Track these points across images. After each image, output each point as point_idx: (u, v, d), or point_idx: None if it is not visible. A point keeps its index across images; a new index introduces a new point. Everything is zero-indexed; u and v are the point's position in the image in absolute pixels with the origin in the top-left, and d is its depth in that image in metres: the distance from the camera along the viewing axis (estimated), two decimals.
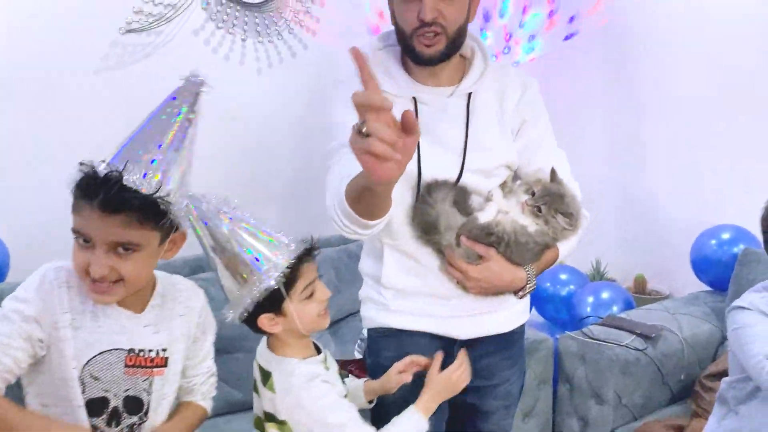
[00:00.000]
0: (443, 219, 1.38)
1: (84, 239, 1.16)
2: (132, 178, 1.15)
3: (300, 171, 2.83)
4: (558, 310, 2.78)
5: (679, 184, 2.80)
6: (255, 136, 2.74)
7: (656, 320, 2.32)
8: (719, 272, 2.51)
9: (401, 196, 1.40)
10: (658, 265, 2.93)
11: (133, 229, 1.15)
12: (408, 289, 1.47)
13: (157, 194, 1.16)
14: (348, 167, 1.21)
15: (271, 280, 1.26)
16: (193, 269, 2.20)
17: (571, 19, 3.04)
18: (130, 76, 2.44)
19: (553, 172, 1.44)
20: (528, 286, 1.44)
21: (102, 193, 1.12)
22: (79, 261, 1.17)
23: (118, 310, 1.25)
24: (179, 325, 1.35)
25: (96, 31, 2.35)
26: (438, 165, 1.42)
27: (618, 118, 3.01)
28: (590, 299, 2.61)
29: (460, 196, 1.42)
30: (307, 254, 1.32)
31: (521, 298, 1.47)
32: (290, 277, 1.28)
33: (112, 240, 1.15)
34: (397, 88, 1.45)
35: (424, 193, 1.41)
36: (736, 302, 1.65)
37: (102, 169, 1.15)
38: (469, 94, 1.47)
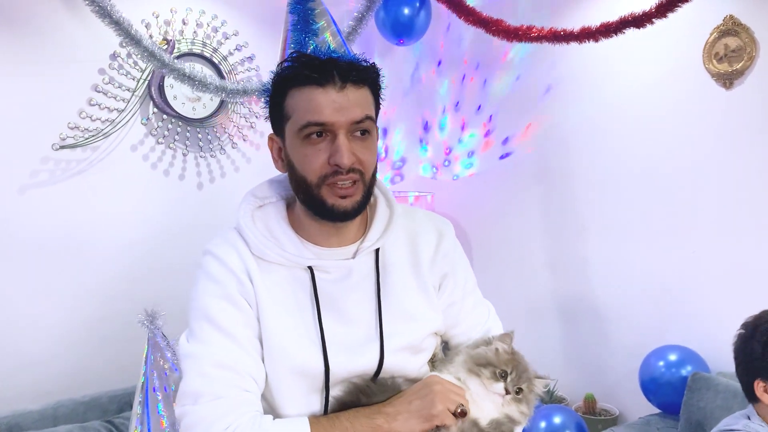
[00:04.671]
0: None
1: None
2: None
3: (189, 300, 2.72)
4: None
5: (625, 301, 2.80)
6: (193, 250, 2.62)
7: None
8: (669, 395, 2.48)
9: (308, 404, 1.15)
10: (607, 385, 2.89)
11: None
12: None
13: None
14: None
15: None
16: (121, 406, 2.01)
17: (505, 140, 3.13)
18: (61, 192, 2.32)
19: (507, 336, 1.22)
20: None
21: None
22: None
23: None
24: None
25: (26, 147, 2.24)
26: (349, 354, 1.16)
27: (558, 233, 3.03)
28: (543, 424, 2.52)
29: (378, 391, 1.15)
30: None
31: None
32: None
33: None
34: (287, 257, 1.17)
35: None
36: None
37: None
38: (377, 251, 1.23)
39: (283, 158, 1.20)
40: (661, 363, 2.52)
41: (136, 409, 1.18)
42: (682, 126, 2.54)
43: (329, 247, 1.21)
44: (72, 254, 2.35)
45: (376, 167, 1.20)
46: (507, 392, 1.13)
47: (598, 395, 2.89)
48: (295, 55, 1.16)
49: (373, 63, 1.18)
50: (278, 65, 1.19)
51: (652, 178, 2.68)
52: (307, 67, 1.11)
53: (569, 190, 2.97)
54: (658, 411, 2.58)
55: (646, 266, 2.73)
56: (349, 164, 1.11)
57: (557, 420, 2.54)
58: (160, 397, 1.18)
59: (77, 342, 2.33)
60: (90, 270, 2.39)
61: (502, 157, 3.15)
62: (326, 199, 1.14)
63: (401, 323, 1.20)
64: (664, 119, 2.60)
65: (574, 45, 2.32)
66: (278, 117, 1.17)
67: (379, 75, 1.19)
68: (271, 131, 1.22)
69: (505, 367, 1.15)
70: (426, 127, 3.36)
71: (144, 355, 1.23)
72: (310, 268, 1.18)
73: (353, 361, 1.15)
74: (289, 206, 1.26)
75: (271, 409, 1.15)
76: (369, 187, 1.18)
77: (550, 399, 2.90)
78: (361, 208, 1.18)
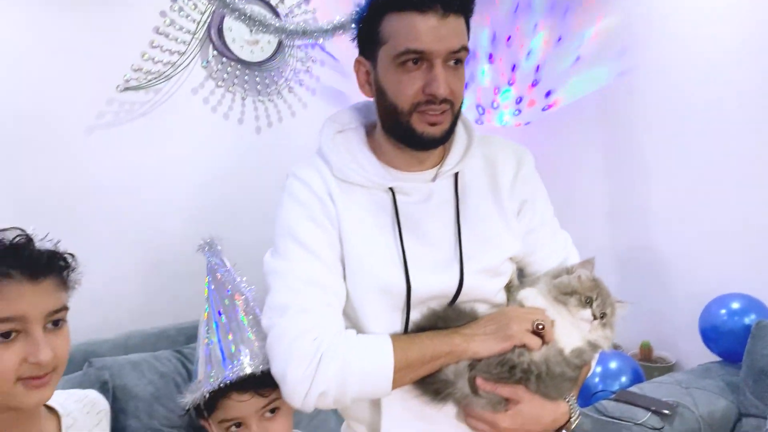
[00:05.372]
0: (447, 367, 1.11)
1: (5, 329, 0.93)
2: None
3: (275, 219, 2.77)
4: None
5: (687, 249, 2.75)
6: (251, 194, 2.66)
7: (669, 395, 2.23)
8: (730, 343, 2.44)
9: (390, 322, 1.16)
10: (664, 333, 2.86)
11: (62, 291, 1.00)
12: None
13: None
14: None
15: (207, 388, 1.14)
16: (189, 338, 2.09)
17: (548, 93, 3.06)
18: (126, 134, 2.37)
19: (589, 263, 1.20)
20: (573, 418, 1.17)
21: (23, 259, 0.95)
22: (7, 361, 0.92)
23: None
24: None
25: (92, 89, 2.29)
26: (430, 273, 1.16)
27: (621, 179, 2.98)
28: (598, 369, 2.52)
29: (455, 317, 1.15)
30: (237, 391, 1.15)
31: None
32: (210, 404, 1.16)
33: (49, 310, 0.97)
34: (369, 178, 1.18)
35: None
36: None
37: (9, 237, 0.97)
38: (456, 174, 1.23)
39: (371, 83, 1.18)
40: (723, 311, 2.48)
41: (202, 332, 1.23)
42: (756, 73, 2.44)
43: (408, 171, 1.21)
44: (136, 194, 2.41)
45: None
46: (594, 317, 1.14)
47: (655, 343, 2.86)
48: None
49: None
50: None
51: (720, 125, 2.60)
52: None
53: (632, 136, 2.90)
54: (717, 359, 2.55)
55: (709, 213, 2.66)
56: (445, 94, 1.11)
57: (613, 365, 2.54)
58: (224, 320, 1.22)
59: (144, 279, 2.41)
60: (153, 210, 2.45)
61: (544, 109, 3.09)
62: (415, 127, 1.13)
63: (480, 246, 1.18)
64: (738, 64, 2.50)
65: None
66: (371, 41, 1.15)
67: (474, 2, 1.15)
68: (359, 55, 1.20)
69: (590, 293, 1.15)
70: (513, 69, 3.27)
71: (206, 281, 1.27)
72: (391, 189, 1.18)
73: (434, 281, 1.16)
74: (369, 133, 1.25)
75: (353, 327, 1.17)
76: (456, 115, 1.17)
77: None
78: (448, 136, 1.18)
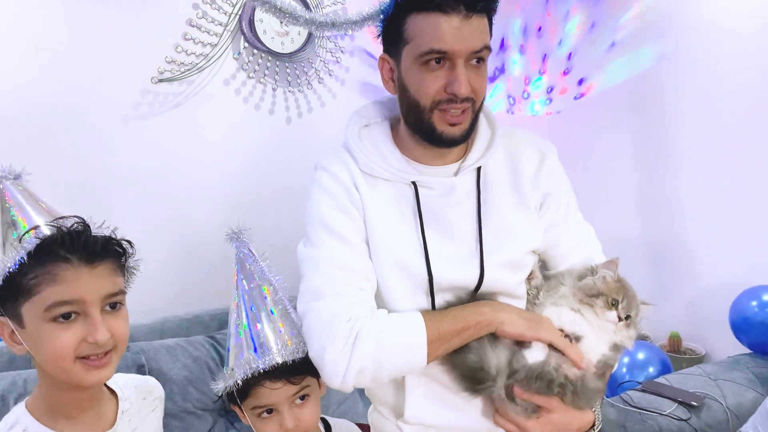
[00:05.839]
0: (490, 359, 1.14)
1: (65, 310, 0.99)
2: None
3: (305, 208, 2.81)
4: None
5: (718, 241, 2.73)
6: (282, 183, 2.71)
7: (697, 386, 2.23)
8: (760, 335, 2.43)
9: (415, 304, 1.19)
10: (694, 324, 2.85)
11: (118, 276, 1.07)
12: (440, 424, 1.22)
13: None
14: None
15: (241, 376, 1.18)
16: (221, 324, 2.15)
17: (580, 81, 3.04)
18: (160, 124, 2.43)
19: (613, 263, 1.21)
20: (596, 424, 1.22)
21: (80, 245, 1.00)
22: (67, 340, 0.99)
23: None
24: (152, 422, 1.25)
25: (128, 81, 2.35)
26: (451, 265, 1.19)
27: (651, 171, 2.96)
28: (625, 359, 2.52)
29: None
30: (269, 379, 1.19)
31: None
32: (243, 391, 1.20)
33: (106, 293, 1.02)
34: (392, 172, 1.22)
35: None
36: None
37: (68, 224, 1.03)
38: (478, 169, 1.25)
39: (394, 80, 1.22)
40: (754, 303, 2.46)
41: (233, 320, 1.27)
42: None
43: (431, 165, 1.24)
44: (170, 183, 2.47)
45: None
46: (620, 319, 1.16)
47: (684, 334, 2.85)
48: None
49: None
50: None
51: (752, 116, 2.56)
52: None
53: (664, 125, 2.87)
54: (747, 351, 2.53)
55: (740, 205, 2.64)
56: (467, 94, 1.13)
57: (641, 356, 2.54)
58: (253, 310, 1.26)
59: (178, 266, 2.48)
60: (186, 198, 2.51)
61: (576, 98, 3.07)
62: (436, 125, 1.17)
63: (501, 240, 1.21)
64: None
65: None
66: (395, 39, 1.18)
67: (498, 2, 1.17)
68: (383, 52, 1.23)
69: (615, 295, 1.17)
70: (502, 68, 3.27)
71: (234, 270, 1.31)
72: (413, 183, 1.22)
73: (455, 273, 1.19)
74: (393, 126, 1.29)
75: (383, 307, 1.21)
76: (477, 113, 1.20)
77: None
78: (468, 136, 1.20)
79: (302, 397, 1.22)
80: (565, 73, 3.14)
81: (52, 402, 1.07)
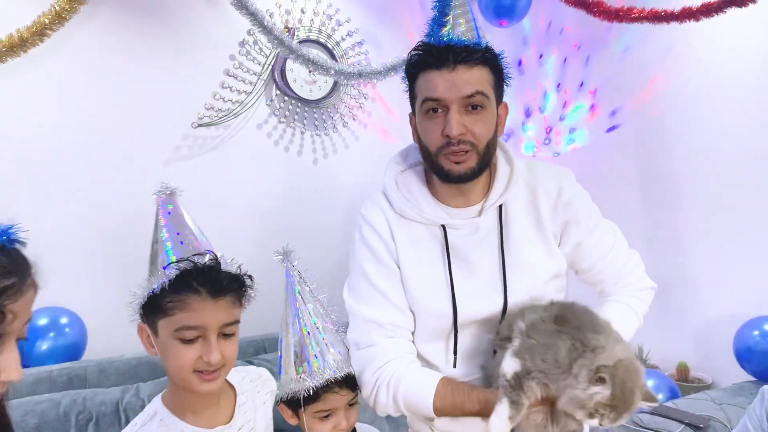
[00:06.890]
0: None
1: (190, 335, 1.21)
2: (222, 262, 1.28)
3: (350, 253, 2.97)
4: None
5: (720, 273, 2.87)
6: (309, 220, 2.89)
7: (703, 410, 2.35)
8: (763, 363, 2.55)
9: (440, 343, 1.40)
10: (701, 354, 2.97)
11: (236, 308, 1.28)
12: (469, 429, 1.34)
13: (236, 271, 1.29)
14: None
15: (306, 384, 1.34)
16: (257, 350, 2.30)
17: (613, 112, 3.22)
18: (199, 166, 2.62)
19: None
20: None
21: (210, 280, 1.22)
22: (188, 357, 1.21)
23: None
24: (263, 413, 1.44)
25: (171, 126, 2.55)
26: (475, 300, 1.35)
27: (655, 207, 3.11)
28: None
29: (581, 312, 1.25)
30: (339, 385, 1.36)
31: None
32: (313, 396, 1.36)
33: (223, 323, 1.23)
34: (424, 216, 1.38)
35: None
36: None
37: (204, 260, 1.26)
38: (500, 207, 1.39)
39: (416, 131, 1.42)
40: (756, 332, 2.59)
41: (294, 332, 1.43)
42: None
43: (457, 207, 1.40)
44: (207, 222, 2.62)
45: (494, 135, 1.35)
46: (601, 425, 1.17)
47: (692, 364, 2.97)
48: (419, 44, 1.36)
49: (487, 44, 1.33)
50: (408, 54, 1.39)
51: (754, 154, 2.72)
52: (428, 54, 1.32)
53: (672, 160, 3.03)
54: (751, 379, 2.65)
55: (743, 239, 2.78)
56: (457, 134, 1.28)
57: (650, 383, 2.66)
58: (297, 324, 1.42)
59: None
60: (221, 235, 2.65)
61: (609, 130, 3.25)
62: (443, 165, 1.33)
63: (522, 272, 1.37)
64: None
65: (676, 25, 2.40)
66: (412, 98, 1.40)
67: (494, 54, 1.34)
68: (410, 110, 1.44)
69: (603, 410, 1.14)
70: (527, 112, 3.47)
71: (285, 291, 1.49)
72: (443, 226, 1.39)
73: (478, 307, 1.37)
74: (427, 170, 1.45)
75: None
76: (483, 155, 1.33)
77: (644, 365, 3.00)
78: (477, 173, 1.34)
79: (352, 403, 1.40)
80: (592, 108, 3.33)
81: (180, 399, 1.29)
